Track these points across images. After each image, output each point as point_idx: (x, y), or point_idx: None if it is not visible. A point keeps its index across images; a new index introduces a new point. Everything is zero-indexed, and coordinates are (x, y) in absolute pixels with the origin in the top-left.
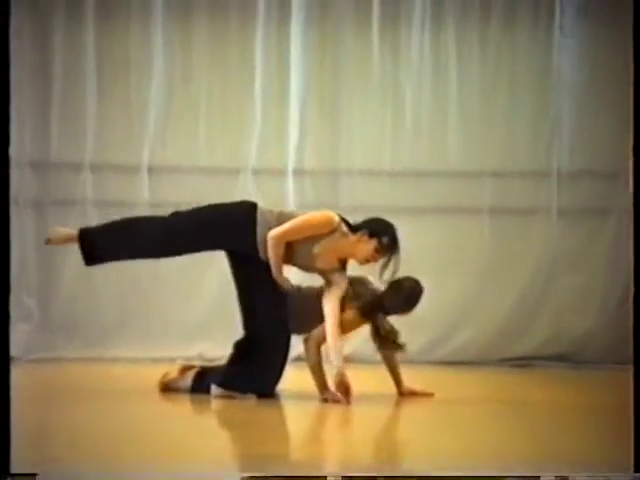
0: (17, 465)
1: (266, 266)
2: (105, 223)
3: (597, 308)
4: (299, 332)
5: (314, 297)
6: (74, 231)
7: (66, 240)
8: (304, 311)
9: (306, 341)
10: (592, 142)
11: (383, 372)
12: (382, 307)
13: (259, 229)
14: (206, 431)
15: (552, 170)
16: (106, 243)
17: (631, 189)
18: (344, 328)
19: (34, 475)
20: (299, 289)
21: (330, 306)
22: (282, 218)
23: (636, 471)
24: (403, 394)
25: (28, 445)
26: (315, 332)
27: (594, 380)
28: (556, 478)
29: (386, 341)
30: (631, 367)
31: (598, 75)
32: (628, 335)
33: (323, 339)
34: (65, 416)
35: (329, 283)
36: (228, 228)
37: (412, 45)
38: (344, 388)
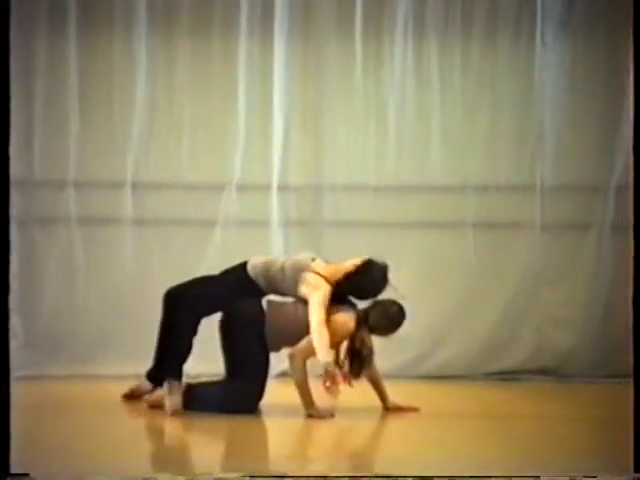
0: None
1: None
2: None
3: (581, 321)
4: (274, 349)
5: (289, 312)
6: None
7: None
8: (278, 327)
9: (291, 357)
10: (575, 156)
11: (367, 386)
12: (367, 323)
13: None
14: (185, 446)
15: (535, 184)
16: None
17: (631, 202)
18: (333, 333)
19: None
20: (271, 303)
21: (313, 307)
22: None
23: (636, 471)
24: (389, 409)
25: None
26: (299, 347)
27: (579, 393)
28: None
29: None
30: (616, 380)
31: (580, 89)
32: (612, 348)
33: (309, 354)
34: (51, 433)
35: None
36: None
37: (395, 60)
38: (332, 378)
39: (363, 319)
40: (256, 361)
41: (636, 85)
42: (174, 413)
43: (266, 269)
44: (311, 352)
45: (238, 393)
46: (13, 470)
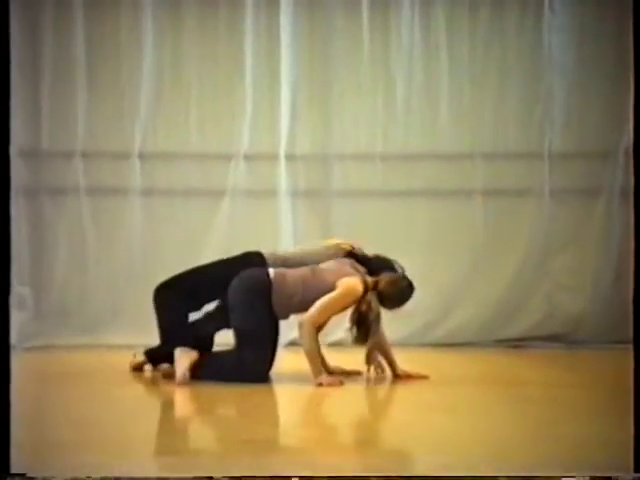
0: (16, 449)
1: None
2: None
3: (590, 287)
4: (282, 317)
5: (297, 279)
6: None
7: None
8: (286, 294)
9: (301, 325)
10: (583, 122)
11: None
12: (375, 289)
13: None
14: (198, 416)
15: (544, 151)
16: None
17: (632, 170)
18: (341, 298)
19: (33, 477)
20: (277, 271)
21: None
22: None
23: (636, 471)
24: (398, 376)
25: (26, 432)
26: (310, 314)
27: (589, 359)
28: (556, 479)
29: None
30: (625, 346)
31: (589, 55)
32: (621, 314)
33: (320, 321)
34: (62, 402)
35: None
36: None
37: (402, 28)
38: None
39: (372, 286)
40: (264, 329)
41: (636, 67)
42: (181, 383)
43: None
44: (322, 319)
45: (248, 362)
46: (18, 436)
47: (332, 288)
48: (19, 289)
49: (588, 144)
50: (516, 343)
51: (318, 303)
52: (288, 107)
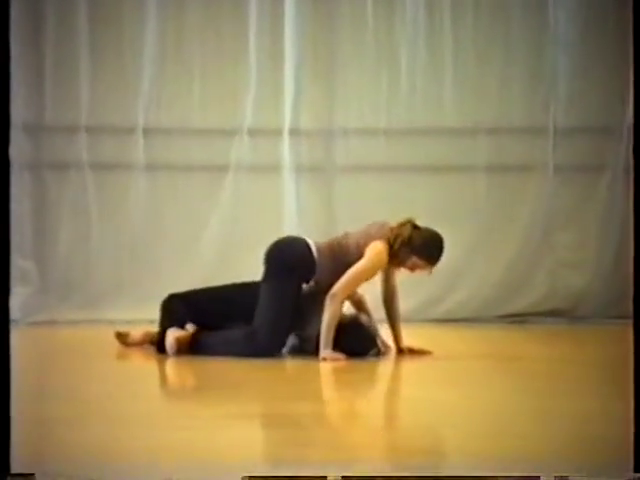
0: (18, 430)
1: None
2: None
3: (593, 264)
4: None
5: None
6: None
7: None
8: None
9: (333, 296)
10: (588, 98)
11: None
12: (412, 248)
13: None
14: (200, 390)
15: (548, 127)
16: None
17: (632, 146)
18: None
19: (34, 475)
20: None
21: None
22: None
23: (636, 471)
24: (402, 351)
25: (28, 407)
26: (341, 285)
27: (591, 335)
28: (556, 478)
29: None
30: (627, 321)
31: (594, 31)
32: (623, 290)
33: (348, 292)
34: (65, 377)
35: None
36: None
37: (407, 2)
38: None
39: (399, 247)
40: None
41: (635, 42)
42: (177, 352)
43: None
44: (351, 290)
45: (262, 336)
46: (17, 422)
47: (359, 254)
48: (22, 263)
49: (592, 120)
50: (519, 319)
51: (348, 274)
52: (292, 82)
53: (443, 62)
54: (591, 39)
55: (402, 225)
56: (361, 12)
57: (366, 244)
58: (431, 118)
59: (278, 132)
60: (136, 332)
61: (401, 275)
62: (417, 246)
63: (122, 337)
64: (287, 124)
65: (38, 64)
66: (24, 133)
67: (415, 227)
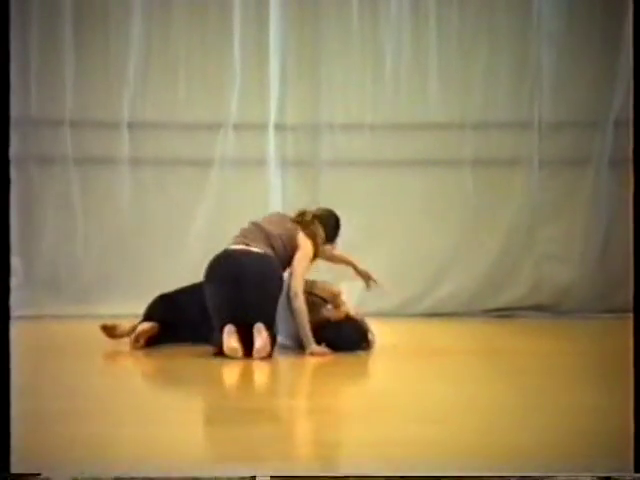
0: (14, 418)
1: None
2: None
3: (578, 258)
4: None
5: None
6: None
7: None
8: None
9: (296, 295)
10: (573, 92)
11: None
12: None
13: None
14: (188, 385)
15: (533, 121)
16: None
17: (631, 140)
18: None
19: (35, 475)
20: None
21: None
22: None
23: (636, 471)
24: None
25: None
26: (298, 283)
27: (577, 329)
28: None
29: None
30: (613, 315)
31: (579, 25)
32: (609, 284)
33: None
34: (54, 372)
35: None
36: None
37: None
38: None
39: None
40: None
41: (635, 33)
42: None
43: None
44: (302, 281)
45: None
46: (16, 408)
47: (291, 249)
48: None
49: (577, 114)
50: (504, 313)
51: (298, 271)
52: (277, 77)
53: (428, 56)
54: (576, 33)
55: (302, 215)
56: (346, 6)
57: (291, 239)
58: (417, 113)
59: (263, 126)
60: (124, 324)
61: (388, 269)
62: (328, 233)
63: (109, 330)
64: (272, 118)
65: (23, 58)
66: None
67: (314, 215)
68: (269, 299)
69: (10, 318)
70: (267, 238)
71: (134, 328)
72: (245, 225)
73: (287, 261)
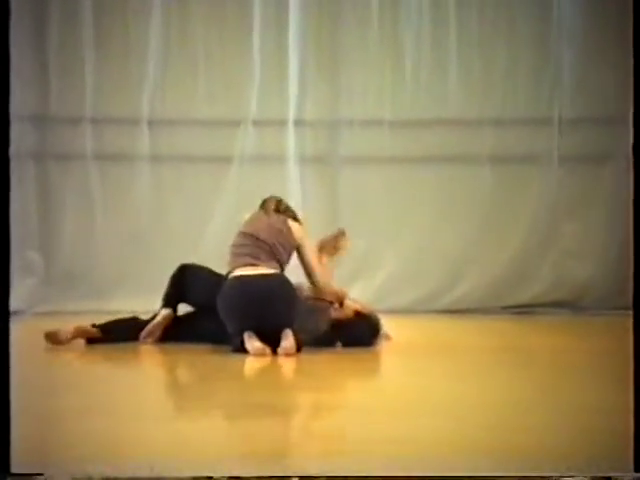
0: (20, 417)
1: None
2: None
3: (598, 254)
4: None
5: None
6: None
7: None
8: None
9: (324, 286)
10: (592, 88)
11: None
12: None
13: None
14: (199, 381)
15: (553, 117)
16: None
17: (631, 137)
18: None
19: (36, 475)
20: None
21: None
22: None
23: (636, 471)
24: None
25: (32, 399)
26: (314, 278)
27: (597, 326)
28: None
29: None
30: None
31: (598, 21)
32: (628, 281)
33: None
34: (70, 367)
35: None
36: None
37: None
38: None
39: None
40: None
41: (635, 33)
42: (288, 355)
43: None
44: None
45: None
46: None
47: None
48: (28, 254)
49: (597, 110)
50: (523, 309)
51: (312, 264)
52: (296, 73)
53: (447, 52)
54: (595, 29)
55: (277, 203)
56: (366, 3)
57: (286, 236)
58: (436, 109)
59: (283, 123)
60: (66, 328)
61: (407, 266)
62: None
63: (51, 336)
64: (292, 115)
65: (43, 55)
66: (29, 124)
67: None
68: (290, 322)
69: (10, 318)
70: (270, 250)
71: (79, 330)
72: (239, 238)
73: (290, 253)
